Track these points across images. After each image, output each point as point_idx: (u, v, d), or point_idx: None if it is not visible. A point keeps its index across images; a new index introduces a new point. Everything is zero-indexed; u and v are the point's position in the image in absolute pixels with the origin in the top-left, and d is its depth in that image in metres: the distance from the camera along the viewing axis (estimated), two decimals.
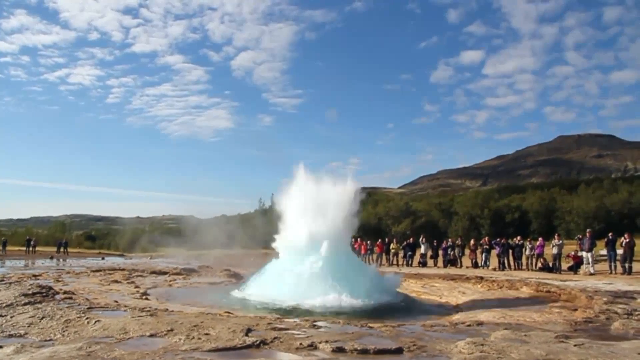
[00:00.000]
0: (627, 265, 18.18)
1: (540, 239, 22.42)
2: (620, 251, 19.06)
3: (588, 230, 21.38)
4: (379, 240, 27.95)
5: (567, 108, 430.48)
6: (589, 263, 19.03)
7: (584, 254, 19.51)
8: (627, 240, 18.50)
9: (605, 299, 11.17)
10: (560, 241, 20.82)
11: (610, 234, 19.49)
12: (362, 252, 27.07)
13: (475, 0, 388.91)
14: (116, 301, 10.24)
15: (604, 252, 23.34)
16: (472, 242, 25.17)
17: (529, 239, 23.20)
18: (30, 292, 10.14)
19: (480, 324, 8.00)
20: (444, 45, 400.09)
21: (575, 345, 5.99)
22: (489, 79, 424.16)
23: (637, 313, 9.15)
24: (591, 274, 18.27)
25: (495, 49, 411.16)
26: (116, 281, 15.64)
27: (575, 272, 19.35)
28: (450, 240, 26.87)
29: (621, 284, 14.83)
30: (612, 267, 18.83)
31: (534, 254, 21.69)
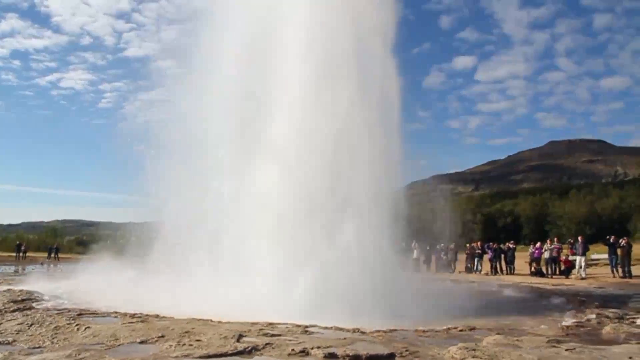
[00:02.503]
0: (622, 268, 18.30)
1: (538, 243, 22.43)
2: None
3: (580, 236, 21.48)
4: None
5: (559, 114, 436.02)
6: (580, 267, 19.12)
7: (577, 258, 19.59)
8: (624, 244, 18.60)
9: (596, 303, 11.24)
10: (553, 245, 20.88)
11: (612, 238, 19.50)
12: None
13: (467, 7, 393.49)
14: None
15: (595, 256, 23.56)
16: (467, 246, 25.17)
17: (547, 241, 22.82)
18: (19, 298, 10.04)
19: (472, 329, 8.00)
20: (436, 51, 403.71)
21: (566, 350, 6.00)
22: (482, 85, 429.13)
23: (628, 317, 9.20)
24: (582, 278, 18.35)
25: (488, 55, 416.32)
26: None
27: (567, 277, 19.43)
28: (443, 244, 26.88)
29: (612, 288, 14.92)
30: (614, 271, 18.88)
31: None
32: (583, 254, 19.22)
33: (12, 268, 26.55)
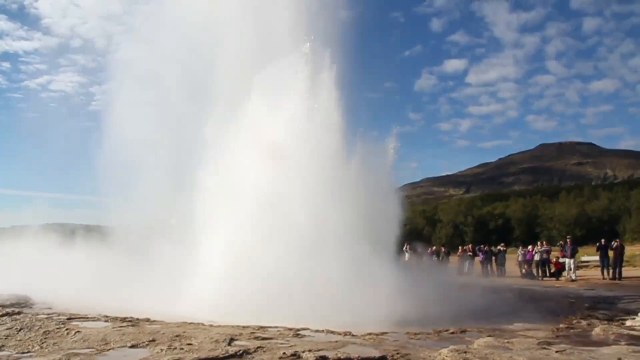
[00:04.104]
0: (617, 270, 18.42)
1: (530, 246, 22.54)
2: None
3: (568, 237, 21.63)
4: None
5: (549, 116, 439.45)
6: (570, 269, 19.23)
7: (566, 260, 19.71)
8: (617, 245, 18.73)
9: (586, 304, 11.32)
10: (543, 247, 21.00)
11: (602, 240, 19.65)
12: None
13: (458, 10, 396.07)
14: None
15: (585, 258, 23.72)
16: (459, 249, 25.22)
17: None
18: (7, 302, 9.94)
19: (463, 331, 8.03)
20: (427, 53, 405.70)
21: (557, 352, 6.04)
22: (472, 88, 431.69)
23: (617, 318, 9.28)
24: (572, 280, 18.47)
25: (478, 58, 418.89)
26: None
27: (557, 279, 19.55)
28: (434, 247, 26.97)
29: (602, 290, 15.03)
30: (605, 273, 18.99)
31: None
32: (572, 255, 19.31)
33: None
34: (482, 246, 23.74)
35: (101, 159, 15.86)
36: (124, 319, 8.35)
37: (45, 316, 8.55)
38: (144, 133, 14.81)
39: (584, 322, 8.94)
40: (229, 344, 6.22)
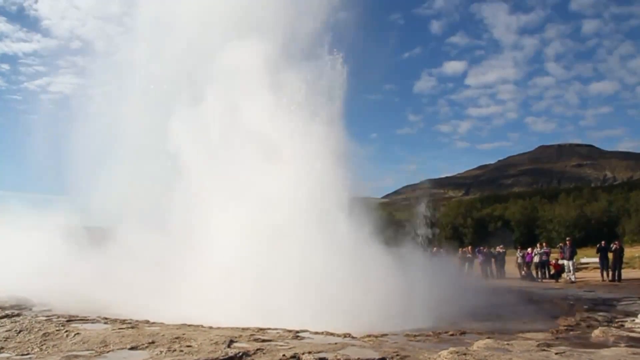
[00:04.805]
0: (616, 271, 18.43)
1: (529, 248, 22.58)
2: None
3: (567, 238, 21.65)
4: None
5: (548, 118, 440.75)
6: (569, 271, 19.25)
7: (565, 262, 19.73)
8: (616, 247, 18.75)
9: (586, 306, 11.32)
10: (542, 250, 21.04)
11: (602, 242, 19.68)
12: None
13: (458, 12, 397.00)
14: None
15: (585, 260, 23.76)
16: (460, 250, 25.23)
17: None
18: (7, 304, 9.93)
19: (462, 333, 8.03)
20: (427, 55, 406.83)
21: (556, 354, 6.04)
22: (472, 90, 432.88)
23: (617, 320, 9.28)
24: (572, 282, 18.48)
25: (478, 60, 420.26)
26: None
27: (557, 280, 19.56)
28: (434, 249, 26.94)
29: (602, 291, 15.02)
30: (604, 275, 18.99)
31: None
32: (571, 257, 19.33)
33: None
34: (481, 248, 23.76)
35: (93, 159, 15.90)
36: (123, 321, 8.34)
37: (45, 318, 8.53)
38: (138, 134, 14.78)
39: (583, 324, 8.93)
40: (229, 346, 6.21)
